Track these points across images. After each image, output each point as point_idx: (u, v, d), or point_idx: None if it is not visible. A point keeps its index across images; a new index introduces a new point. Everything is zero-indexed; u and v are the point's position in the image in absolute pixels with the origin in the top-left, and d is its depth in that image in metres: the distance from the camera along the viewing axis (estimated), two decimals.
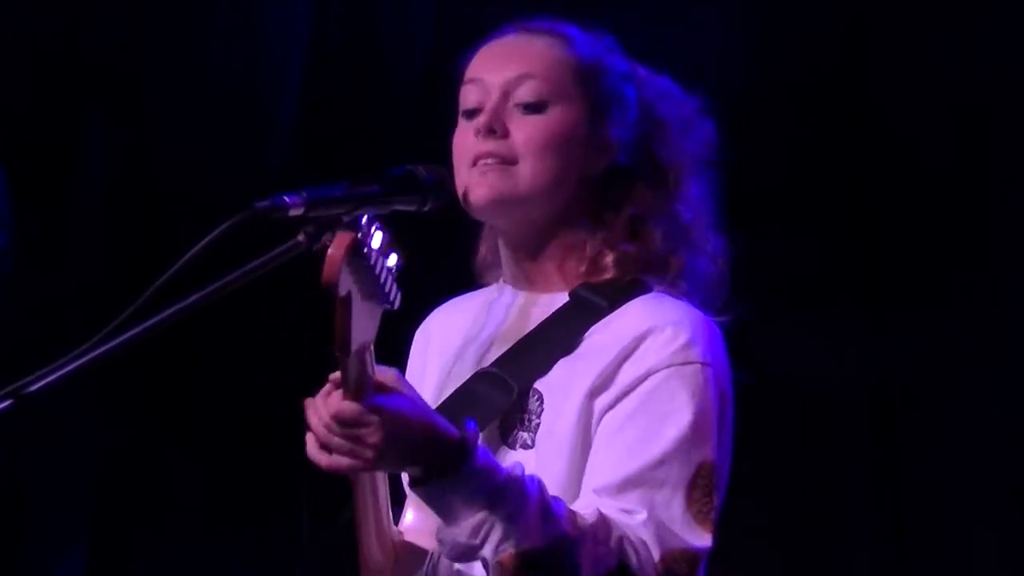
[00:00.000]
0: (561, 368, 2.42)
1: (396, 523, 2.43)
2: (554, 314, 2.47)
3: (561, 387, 2.40)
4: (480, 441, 2.25)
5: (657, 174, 2.51)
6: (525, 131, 2.45)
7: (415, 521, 2.42)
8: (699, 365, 2.37)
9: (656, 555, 2.30)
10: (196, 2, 4.61)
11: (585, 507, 2.31)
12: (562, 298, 2.48)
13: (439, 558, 2.39)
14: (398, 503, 2.42)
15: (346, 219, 2.29)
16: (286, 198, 2.24)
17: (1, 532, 4.49)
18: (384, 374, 2.18)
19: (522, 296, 2.53)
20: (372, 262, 2.06)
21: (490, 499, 2.21)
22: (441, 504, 2.23)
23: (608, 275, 2.46)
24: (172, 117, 4.58)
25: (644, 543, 2.30)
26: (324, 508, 2.66)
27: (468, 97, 2.50)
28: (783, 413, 4.22)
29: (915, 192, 4.33)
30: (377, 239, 2.07)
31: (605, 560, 2.26)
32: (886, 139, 4.36)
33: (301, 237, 2.26)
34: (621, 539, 2.28)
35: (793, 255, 4.22)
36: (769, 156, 4.20)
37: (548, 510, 2.23)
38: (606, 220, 2.49)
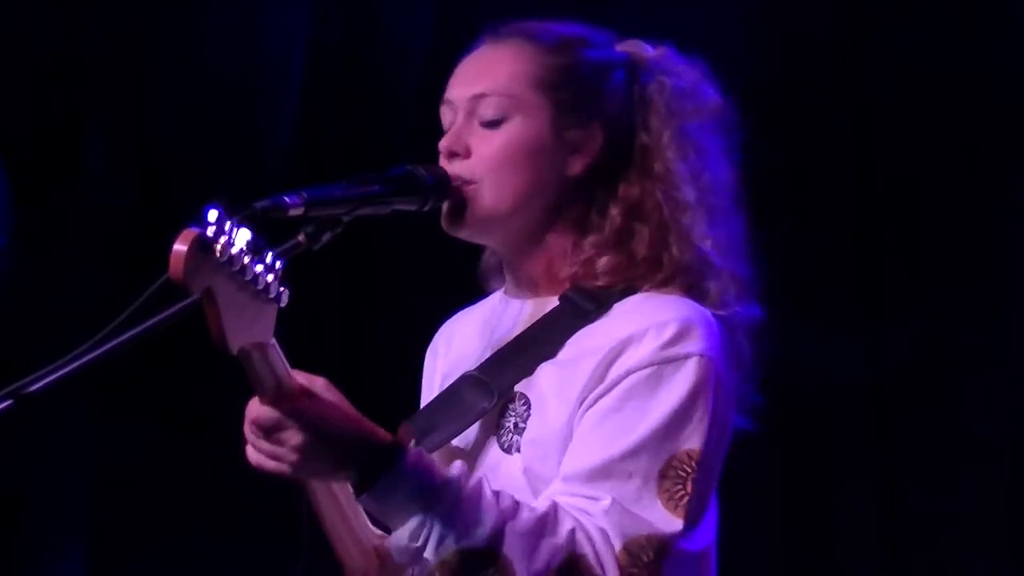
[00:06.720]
0: (548, 373, 2.41)
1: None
2: (542, 318, 2.46)
3: (549, 393, 2.39)
4: (412, 445, 2.24)
5: (645, 160, 2.48)
6: (484, 148, 2.45)
7: None
8: (683, 359, 2.34)
9: (617, 544, 2.27)
10: (196, 2, 4.61)
11: (546, 497, 2.29)
12: (553, 302, 2.47)
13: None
14: None
15: (345, 219, 2.30)
16: (286, 198, 2.24)
17: (1, 532, 4.49)
18: (313, 381, 2.21)
19: (520, 304, 2.52)
20: (228, 259, 2.00)
21: (426, 500, 2.21)
22: (381, 509, 2.25)
23: (599, 282, 2.44)
24: (172, 117, 4.59)
25: (604, 532, 2.27)
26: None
27: (443, 118, 2.51)
28: (782, 413, 4.22)
29: (915, 190, 4.33)
30: (242, 237, 2.02)
31: (553, 554, 2.23)
32: (886, 137, 4.36)
33: (301, 237, 2.27)
34: (573, 531, 2.25)
35: (792, 254, 4.22)
36: (768, 154, 4.20)
37: (489, 506, 2.23)
38: (594, 221, 2.47)
